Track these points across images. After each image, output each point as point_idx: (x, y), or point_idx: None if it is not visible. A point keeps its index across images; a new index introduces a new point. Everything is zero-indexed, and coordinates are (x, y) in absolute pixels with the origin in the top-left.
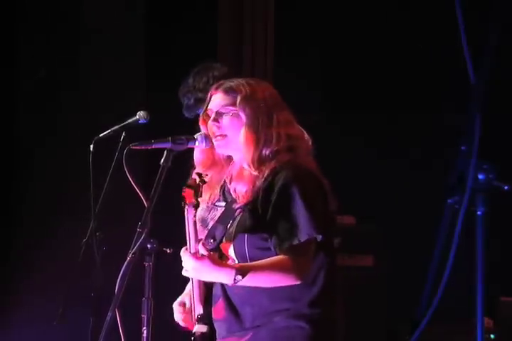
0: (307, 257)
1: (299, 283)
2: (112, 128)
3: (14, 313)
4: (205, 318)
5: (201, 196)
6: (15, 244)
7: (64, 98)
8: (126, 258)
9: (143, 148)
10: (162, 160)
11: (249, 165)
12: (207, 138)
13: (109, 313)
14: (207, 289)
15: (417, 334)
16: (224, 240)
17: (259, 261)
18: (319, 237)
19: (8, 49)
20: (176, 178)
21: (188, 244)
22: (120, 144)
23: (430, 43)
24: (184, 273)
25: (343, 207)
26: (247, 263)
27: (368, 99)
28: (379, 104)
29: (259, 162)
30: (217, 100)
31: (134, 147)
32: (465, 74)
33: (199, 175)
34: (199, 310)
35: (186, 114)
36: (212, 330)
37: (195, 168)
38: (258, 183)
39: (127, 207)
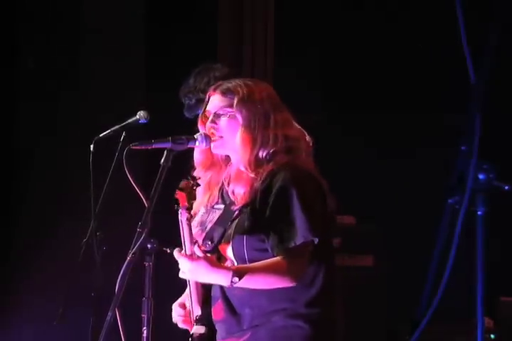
0: (303, 259)
1: (294, 285)
2: (112, 128)
3: (14, 313)
4: (204, 319)
5: (195, 199)
6: (15, 244)
7: (64, 98)
8: (126, 258)
9: (143, 148)
10: (162, 160)
11: (245, 167)
12: (207, 138)
13: (110, 313)
14: (205, 290)
15: (417, 334)
16: (222, 242)
17: (256, 263)
18: (316, 240)
19: (8, 49)
20: (176, 178)
21: (183, 246)
22: (120, 144)
23: (430, 43)
24: (181, 275)
25: (343, 207)
26: (243, 265)
27: (368, 99)
28: (379, 104)
29: (256, 164)
30: (214, 102)
31: (134, 147)
32: (465, 74)
33: (193, 178)
34: (197, 311)
35: (187, 115)
36: (211, 331)
37: (195, 169)
38: (256, 185)
39: (127, 207)
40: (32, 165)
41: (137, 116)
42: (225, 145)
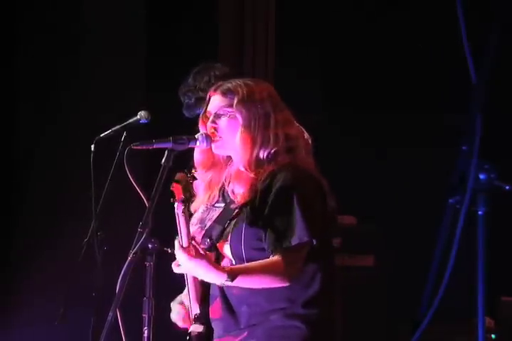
0: (298, 260)
1: (288, 284)
2: (113, 128)
3: (15, 313)
4: (202, 318)
5: (191, 191)
6: (15, 244)
7: (64, 98)
8: (127, 258)
9: (144, 148)
10: (163, 160)
11: (245, 167)
12: (208, 138)
13: (110, 313)
14: (204, 289)
15: (418, 334)
16: (220, 240)
17: (252, 263)
18: (313, 241)
19: (8, 49)
20: None
21: (179, 239)
22: (121, 144)
23: (430, 43)
24: (176, 269)
25: (344, 207)
26: (238, 266)
27: (369, 99)
28: (379, 104)
29: (256, 164)
30: (215, 102)
31: (134, 147)
32: (466, 74)
33: (189, 170)
34: (196, 309)
35: (186, 114)
36: (209, 330)
37: (195, 169)
38: (256, 185)
39: (128, 206)
40: (32, 165)
41: (138, 116)
42: (226, 145)
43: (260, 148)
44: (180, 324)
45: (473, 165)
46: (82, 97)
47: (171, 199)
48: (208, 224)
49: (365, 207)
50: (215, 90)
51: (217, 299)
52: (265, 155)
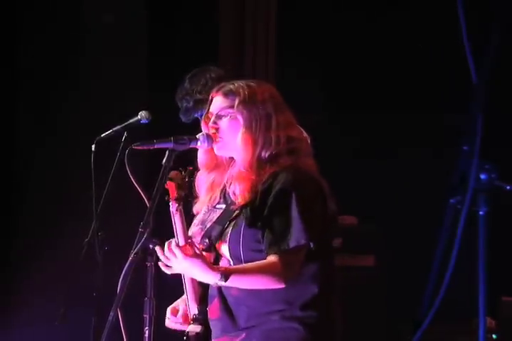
0: (294, 262)
1: (283, 286)
2: (114, 129)
3: (15, 313)
4: (200, 318)
5: (186, 190)
6: (15, 244)
7: (65, 98)
8: (128, 258)
9: (145, 148)
10: (164, 160)
11: (246, 169)
12: (209, 138)
13: (111, 313)
14: (203, 289)
15: (419, 334)
16: (219, 240)
17: (247, 264)
18: (310, 244)
19: (9, 49)
20: None
21: (176, 238)
22: (122, 144)
23: (431, 43)
24: (167, 269)
25: (344, 207)
26: (233, 267)
27: (369, 99)
28: (380, 104)
29: (257, 165)
30: (217, 103)
31: (135, 147)
32: (466, 74)
33: (185, 169)
34: (194, 310)
35: (183, 119)
36: (207, 330)
37: (199, 170)
38: (257, 186)
39: (129, 207)
40: (32, 165)
41: (139, 116)
42: (227, 146)
43: (261, 150)
44: (178, 327)
45: (474, 165)
46: (82, 97)
47: (166, 197)
48: (208, 225)
49: (365, 207)
50: (217, 91)
51: (216, 299)
52: (266, 157)
